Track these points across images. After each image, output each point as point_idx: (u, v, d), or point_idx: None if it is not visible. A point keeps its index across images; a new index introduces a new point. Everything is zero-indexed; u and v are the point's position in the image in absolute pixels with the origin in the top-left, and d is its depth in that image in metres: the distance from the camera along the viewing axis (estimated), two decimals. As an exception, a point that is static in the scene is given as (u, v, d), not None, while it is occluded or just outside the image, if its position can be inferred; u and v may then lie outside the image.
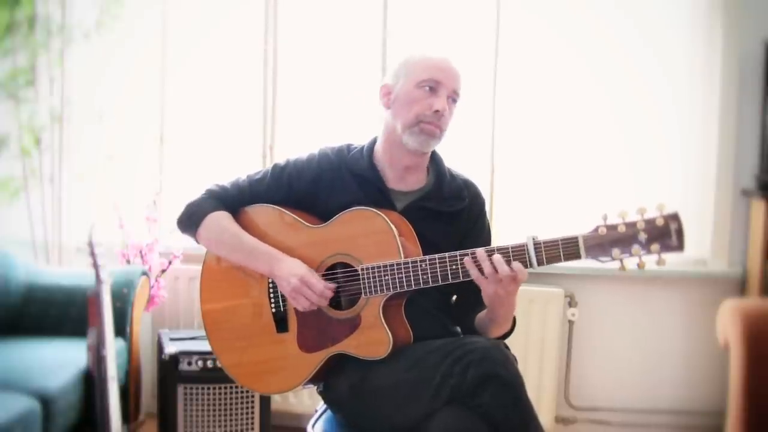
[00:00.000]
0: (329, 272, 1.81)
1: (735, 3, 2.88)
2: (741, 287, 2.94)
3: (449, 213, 1.88)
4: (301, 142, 3.09)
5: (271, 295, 1.85)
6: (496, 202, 3.04)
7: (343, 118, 3.13)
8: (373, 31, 3.07)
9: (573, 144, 3.06)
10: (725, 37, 2.89)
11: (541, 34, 3.04)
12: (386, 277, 1.71)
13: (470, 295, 1.79)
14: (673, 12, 2.98)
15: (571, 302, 2.99)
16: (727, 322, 2.18)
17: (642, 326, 3.03)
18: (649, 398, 3.04)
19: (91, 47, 3.20)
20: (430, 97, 1.79)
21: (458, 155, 2.96)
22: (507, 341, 1.81)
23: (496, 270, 1.62)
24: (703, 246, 2.98)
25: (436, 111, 1.78)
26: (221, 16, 3.21)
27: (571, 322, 3.00)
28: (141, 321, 2.90)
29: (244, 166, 3.13)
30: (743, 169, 2.93)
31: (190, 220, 1.90)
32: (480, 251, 1.65)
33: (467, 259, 1.65)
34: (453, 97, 1.82)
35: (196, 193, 1.94)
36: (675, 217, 1.56)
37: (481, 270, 1.64)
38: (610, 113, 3.05)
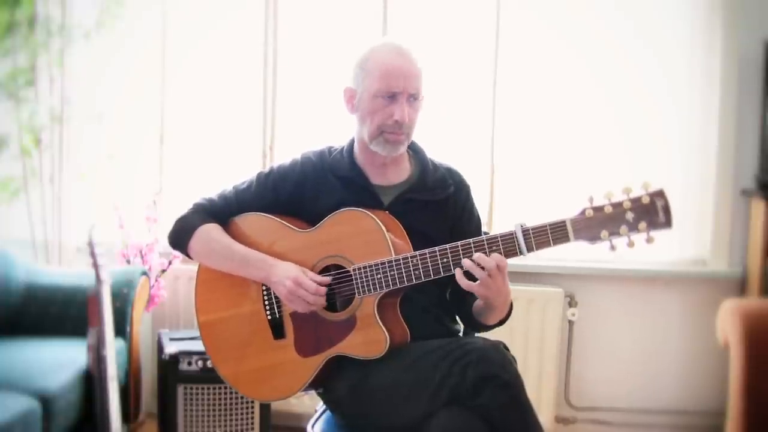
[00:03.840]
0: (322, 275, 1.80)
1: (735, 3, 2.88)
2: (741, 287, 2.94)
3: (436, 202, 1.88)
4: (301, 142, 3.08)
5: (266, 302, 1.85)
6: (496, 202, 3.04)
7: (343, 117, 3.12)
8: (373, 31, 3.07)
9: (573, 145, 3.06)
10: (725, 37, 2.89)
11: (541, 34, 3.04)
12: (378, 276, 1.72)
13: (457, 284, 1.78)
14: (672, 12, 2.98)
15: (571, 302, 2.99)
16: (727, 322, 2.18)
17: (642, 326, 3.03)
18: (649, 398, 3.04)
19: (91, 47, 3.20)
20: (389, 106, 1.78)
21: (458, 155, 2.98)
22: (507, 341, 1.80)
23: (481, 266, 1.63)
24: (703, 246, 2.97)
25: (397, 120, 1.77)
26: (221, 16, 3.21)
27: (571, 322, 3.00)
28: (141, 321, 2.90)
29: (244, 166, 3.14)
30: (743, 169, 2.93)
31: (180, 236, 1.90)
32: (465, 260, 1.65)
33: (467, 261, 1.65)
34: (414, 95, 1.79)
35: (184, 208, 1.94)
36: (660, 194, 1.54)
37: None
38: (610, 113, 3.05)
